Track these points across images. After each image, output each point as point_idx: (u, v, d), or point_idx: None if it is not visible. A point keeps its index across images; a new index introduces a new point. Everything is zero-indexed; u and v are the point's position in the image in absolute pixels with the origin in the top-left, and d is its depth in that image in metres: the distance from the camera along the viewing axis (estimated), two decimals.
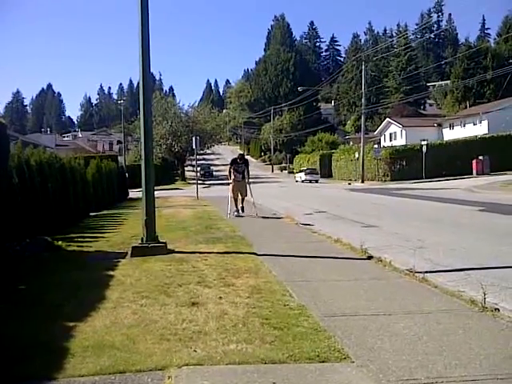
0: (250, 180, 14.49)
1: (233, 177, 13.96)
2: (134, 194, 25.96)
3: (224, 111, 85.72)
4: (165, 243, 7.81)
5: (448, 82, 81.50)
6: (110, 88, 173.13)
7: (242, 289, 5.22)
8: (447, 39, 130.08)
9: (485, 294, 4.56)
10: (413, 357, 3.40)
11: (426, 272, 5.94)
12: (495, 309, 4.45)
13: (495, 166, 36.15)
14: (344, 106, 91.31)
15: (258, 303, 4.65)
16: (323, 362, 3.34)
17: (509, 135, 40.04)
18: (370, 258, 7.00)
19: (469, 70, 67.35)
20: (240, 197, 14.01)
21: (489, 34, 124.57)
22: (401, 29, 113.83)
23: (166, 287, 5.34)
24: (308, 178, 46.29)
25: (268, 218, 13.17)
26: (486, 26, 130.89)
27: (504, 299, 4.96)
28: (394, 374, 3.13)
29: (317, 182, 46.39)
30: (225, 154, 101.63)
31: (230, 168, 14.11)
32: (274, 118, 78.55)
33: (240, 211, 13.82)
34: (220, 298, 4.88)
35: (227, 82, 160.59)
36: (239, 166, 14.04)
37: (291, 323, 4.06)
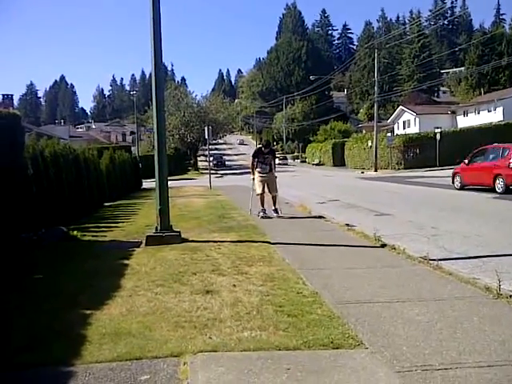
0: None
1: (258, 169, 11.21)
2: (147, 184, 26.14)
3: (236, 101, 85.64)
4: (179, 232, 7.86)
5: (462, 68, 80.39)
6: (122, 79, 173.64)
7: (256, 277, 5.24)
8: (461, 25, 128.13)
9: (500, 281, 4.53)
10: (427, 343, 3.39)
11: (440, 260, 5.92)
12: (510, 296, 4.42)
13: None
14: (356, 94, 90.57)
15: (271, 291, 4.68)
16: (337, 348, 3.35)
17: None
18: (383, 246, 6.98)
19: (483, 57, 66.40)
20: (269, 194, 11.22)
21: (504, 20, 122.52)
22: (414, 15, 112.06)
23: (181, 275, 5.38)
24: (281, 162, 56.46)
25: (297, 217, 10.72)
26: (500, 12, 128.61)
27: None
28: (408, 360, 3.14)
29: (286, 164, 59.91)
30: (237, 143, 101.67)
31: (254, 161, 11.37)
32: (286, 107, 78.25)
33: (267, 212, 10.92)
34: (234, 285, 4.91)
35: (239, 71, 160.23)
36: (265, 157, 11.23)
37: (305, 310, 4.08)
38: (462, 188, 17.51)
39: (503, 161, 15.19)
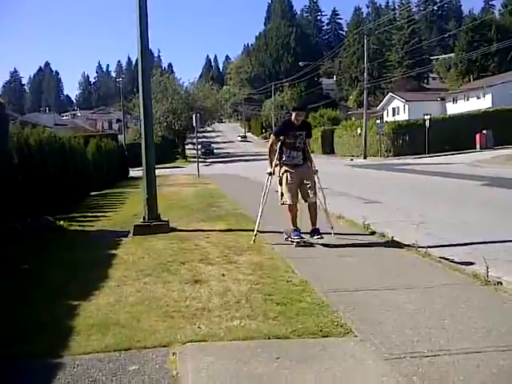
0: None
1: (285, 158, 6.64)
2: (134, 172, 25.96)
3: (224, 87, 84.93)
4: (167, 221, 7.81)
5: (452, 55, 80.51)
6: (108, 66, 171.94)
7: (245, 266, 5.23)
8: (451, 11, 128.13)
9: (488, 268, 4.56)
10: (415, 330, 3.41)
11: (429, 247, 5.94)
12: (498, 282, 4.46)
13: (499, 140, 35.88)
14: (346, 80, 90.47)
15: (260, 279, 4.67)
16: (326, 336, 3.36)
17: None
18: (372, 233, 7.01)
19: (473, 43, 66.53)
20: (305, 200, 6.59)
21: (493, 6, 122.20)
22: (403, 1, 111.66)
23: (169, 265, 5.35)
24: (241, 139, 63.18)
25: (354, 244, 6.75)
26: None
27: (507, 273, 4.95)
28: (397, 347, 3.15)
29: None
30: (225, 131, 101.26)
31: (276, 139, 6.71)
32: (274, 94, 77.92)
33: (315, 236, 6.37)
34: (223, 275, 4.89)
35: (227, 57, 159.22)
36: (297, 134, 6.61)
37: (294, 299, 4.07)
38: None
39: None
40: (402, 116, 53.87)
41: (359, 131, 42.80)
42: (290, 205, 6.48)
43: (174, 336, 3.38)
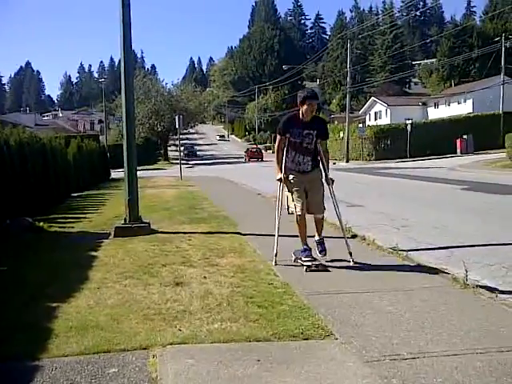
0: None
1: (290, 163, 5.54)
2: (116, 174, 25.75)
3: (207, 89, 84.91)
4: (148, 223, 7.77)
5: (433, 60, 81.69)
6: (90, 66, 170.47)
7: (227, 268, 5.22)
8: (433, 17, 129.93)
9: (467, 272, 4.61)
10: (395, 333, 3.44)
11: (410, 250, 6.00)
12: (477, 286, 4.52)
13: (479, 145, 36.48)
14: (329, 84, 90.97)
15: (242, 282, 4.66)
16: (307, 339, 3.37)
17: (493, 114, 40.35)
18: (354, 236, 7.03)
19: (454, 49, 67.55)
20: (312, 214, 5.64)
21: (474, 12, 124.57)
22: (386, 6, 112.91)
23: (150, 267, 5.32)
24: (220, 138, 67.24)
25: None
26: (471, 4, 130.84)
27: (485, 276, 5.04)
28: (377, 350, 3.17)
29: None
30: (209, 133, 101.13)
31: (284, 138, 5.50)
32: (258, 97, 78.16)
33: (317, 251, 5.57)
34: (204, 277, 4.88)
35: (211, 59, 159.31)
36: (305, 134, 5.42)
37: (275, 301, 4.08)
38: None
39: None
40: (385, 120, 54.38)
41: (342, 135, 43.08)
42: (297, 215, 5.41)
43: (155, 338, 3.36)
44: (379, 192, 14.94)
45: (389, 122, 48.57)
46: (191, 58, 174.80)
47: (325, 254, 5.51)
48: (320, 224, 5.69)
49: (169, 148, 60.00)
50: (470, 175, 19.92)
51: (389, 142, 39.15)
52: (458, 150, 37.08)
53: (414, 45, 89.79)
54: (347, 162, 39.54)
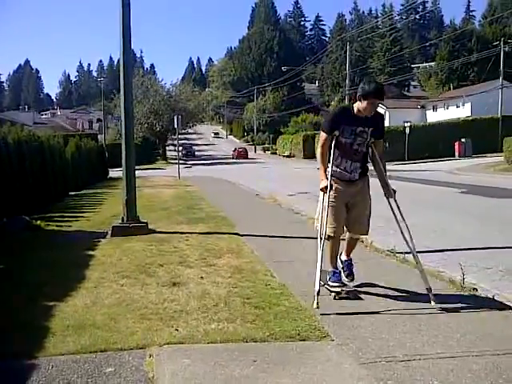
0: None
1: (335, 167, 4.42)
2: (114, 173, 25.69)
3: (206, 90, 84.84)
4: (146, 223, 7.76)
5: (432, 63, 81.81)
6: (89, 65, 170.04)
7: (224, 269, 5.22)
8: (432, 21, 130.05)
9: (464, 275, 4.63)
10: (391, 335, 3.45)
11: (407, 253, 5.99)
12: (473, 288, 4.53)
13: (477, 149, 36.56)
14: (328, 86, 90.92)
15: (239, 283, 4.67)
16: (303, 340, 3.37)
17: (491, 118, 40.47)
18: None
19: (453, 52, 67.60)
20: (349, 231, 4.61)
21: (474, 16, 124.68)
22: (386, 9, 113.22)
23: (147, 267, 5.32)
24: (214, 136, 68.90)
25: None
26: (470, 8, 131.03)
27: (482, 280, 5.05)
28: (373, 351, 3.18)
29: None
30: (207, 133, 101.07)
31: (330, 137, 4.36)
32: (257, 98, 78.11)
33: (343, 275, 4.58)
34: (201, 277, 4.88)
35: (210, 60, 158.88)
36: (358, 132, 4.34)
37: (272, 302, 4.08)
38: None
39: None
40: None
41: None
42: (331, 237, 4.34)
43: (151, 338, 3.36)
44: (377, 194, 14.91)
45: (387, 125, 48.60)
46: (190, 58, 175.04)
47: (352, 279, 4.55)
48: (354, 244, 4.75)
49: (167, 148, 59.93)
50: (468, 178, 19.96)
51: (387, 144, 39.04)
52: (457, 154, 37.16)
53: (413, 48, 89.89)
54: None
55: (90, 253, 6.15)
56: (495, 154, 31.31)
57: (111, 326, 3.59)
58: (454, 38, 68.87)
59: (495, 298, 4.32)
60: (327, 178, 4.34)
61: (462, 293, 4.44)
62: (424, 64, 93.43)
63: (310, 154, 52.52)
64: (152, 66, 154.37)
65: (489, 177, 20.82)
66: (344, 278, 4.53)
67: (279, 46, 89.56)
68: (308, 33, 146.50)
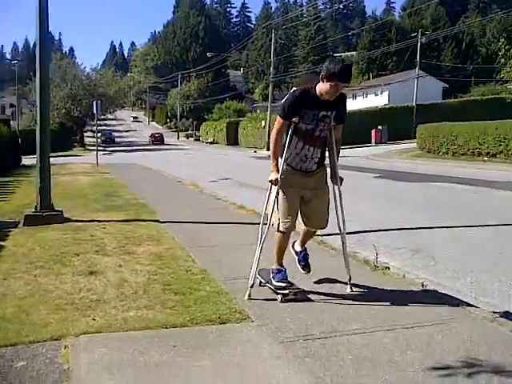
0: None
1: (289, 154, 3.93)
2: (28, 160, 24.40)
3: (128, 74, 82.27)
4: (61, 211, 7.44)
5: (354, 53, 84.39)
6: (2, 47, 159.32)
7: (144, 256, 5.13)
8: (355, 11, 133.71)
9: (377, 255, 4.85)
10: (309, 314, 3.55)
11: (324, 235, 6.18)
12: (386, 267, 4.77)
13: (393, 136, 38.29)
14: (253, 73, 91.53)
15: (159, 270, 4.60)
16: (224, 323, 3.39)
17: (406, 106, 42.51)
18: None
19: (374, 42, 70.15)
20: (308, 228, 4.24)
21: (394, 8, 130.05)
22: None
23: (62, 256, 5.10)
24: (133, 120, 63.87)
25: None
26: (391, 0, 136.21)
27: (394, 259, 5.33)
28: (292, 331, 3.26)
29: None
30: (128, 119, 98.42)
31: (288, 122, 3.90)
32: (181, 84, 76.94)
33: (299, 266, 4.33)
34: (120, 266, 4.76)
35: (132, 44, 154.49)
36: (321, 117, 3.85)
37: (193, 288, 4.07)
38: None
39: None
40: None
41: (263, 124, 43.53)
42: (282, 232, 3.92)
43: (67, 329, 3.24)
44: None
45: None
46: (112, 42, 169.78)
47: (309, 271, 4.26)
48: (311, 236, 4.42)
49: (85, 134, 57.74)
50: (383, 164, 20.91)
51: None
52: (373, 140, 38.68)
53: (336, 37, 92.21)
54: (268, 150, 39.93)
55: (0, 243, 5.80)
56: (409, 141, 33.04)
57: (23, 319, 3.42)
58: (375, 29, 71.45)
59: (405, 275, 4.58)
60: (278, 170, 3.87)
61: (375, 271, 4.65)
62: (346, 53, 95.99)
63: (233, 141, 52.75)
64: (71, 49, 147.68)
65: (401, 162, 21.95)
66: (300, 270, 4.26)
67: (205, 31, 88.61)
68: (234, 19, 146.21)
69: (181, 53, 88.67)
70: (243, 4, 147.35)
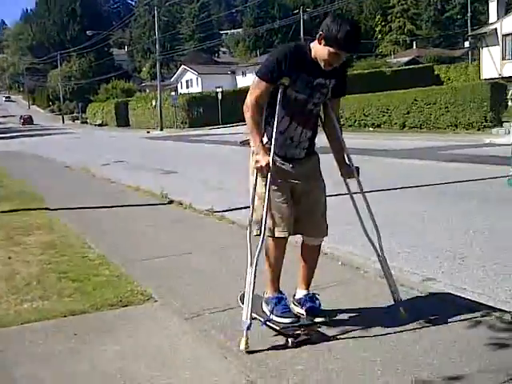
0: None
1: (270, 136, 2.75)
2: None
3: (1, 56, 75.90)
4: None
5: (240, 30, 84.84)
6: None
7: (35, 246, 4.85)
8: None
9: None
10: (212, 289, 3.59)
11: (224, 211, 6.27)
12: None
13: None
14: (138, 52, 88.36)
15: (53, 259, 4.39)
16: (126, 306, 3.33)
17: None
18: (171, 202, 7.12)
19: (259, 19, 70.89)
20: (306, 240, 2.96)
21: None
22: None
23: None
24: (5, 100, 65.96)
25: None
26: None
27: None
28: (196, 306, 3.28)
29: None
30: (5, 104, 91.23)
31: (270, 86, 2.72)
32: (61, 64, 72.43)
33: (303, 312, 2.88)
34: (9, 258, 4.47)
35: (3, 22, 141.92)
36: (315, 84, 2.74)
37: (91, 274, 3.94)
38: None
39: None
40: (196, 88, 55.13)
41: (154, 103, 42.57)
42: (275, 238, 2.83)
43: None
44: (193, 158, 15.32)
45: (200, 90, 49.38)
46: None
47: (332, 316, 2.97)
48: (314, 259, 3.03)
49: None
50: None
51: (201, 109, 39.89)
52: None
53: (220, 14, 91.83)
54: (161, 130, 39.34)
55: None
56: None
57: None
58: (258, 6, 72.12)
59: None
60: (266, 152, 2.72)
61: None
62: (232, 30, 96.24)
63: (123, 122, 51.00)
64: None
65: None
66: (304, 318, 2.86)
67: (82, 8, 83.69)
68: None
69: (58, 31, 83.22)
70: None
